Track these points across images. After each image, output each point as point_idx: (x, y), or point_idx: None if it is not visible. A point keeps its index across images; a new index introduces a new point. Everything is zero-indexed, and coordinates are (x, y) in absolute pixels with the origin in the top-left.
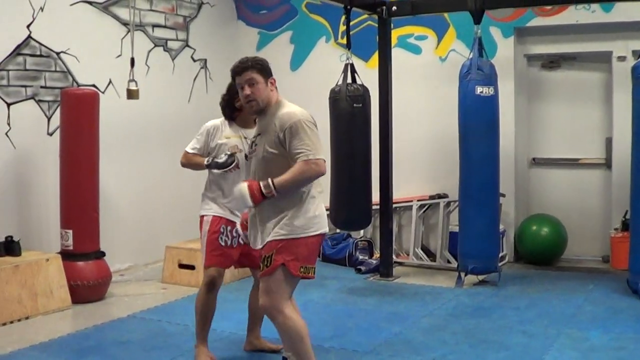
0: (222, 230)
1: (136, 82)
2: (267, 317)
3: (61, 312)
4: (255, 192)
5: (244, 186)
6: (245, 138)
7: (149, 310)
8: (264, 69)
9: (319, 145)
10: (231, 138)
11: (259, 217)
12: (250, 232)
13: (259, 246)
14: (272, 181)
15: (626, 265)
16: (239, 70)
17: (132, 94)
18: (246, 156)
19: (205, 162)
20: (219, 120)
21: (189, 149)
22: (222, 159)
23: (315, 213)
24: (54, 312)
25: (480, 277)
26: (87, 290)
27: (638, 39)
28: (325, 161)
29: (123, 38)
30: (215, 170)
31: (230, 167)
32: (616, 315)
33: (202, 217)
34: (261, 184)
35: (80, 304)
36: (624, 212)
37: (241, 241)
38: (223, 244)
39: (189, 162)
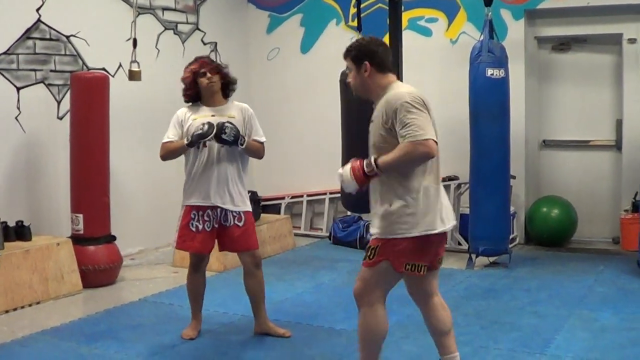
0: (192, 216)
1: (138, 63)
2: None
3: (72, 297)
4: (357, 172)
5: (347, 167)
6: (212, 115)
7: (160, 294)
8: (356, 56)
9: (427, 125)
10: (197, 119)
11: (372, 200)
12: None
13: (372, 230)
14: (376, 159)
15: (636, 247)
16: (343, 56)
17: (134, 75)
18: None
19: (186, 141)
20: (185, 107)
21: (165, 140)
22: (201, 129)
23: (426, 210)
24: (65, 297)
25: (491, 259)
26: (98, 274)
27: None
28: (436, 143)
29: (133, 21)
30: (205, 143)
31: (212, 134)
32: (627, 296)
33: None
34: (364, 162)
35: (91, 289)
36: (634, 194)
37: (215, 225)
38: (194, 229)
39: (168, 151)
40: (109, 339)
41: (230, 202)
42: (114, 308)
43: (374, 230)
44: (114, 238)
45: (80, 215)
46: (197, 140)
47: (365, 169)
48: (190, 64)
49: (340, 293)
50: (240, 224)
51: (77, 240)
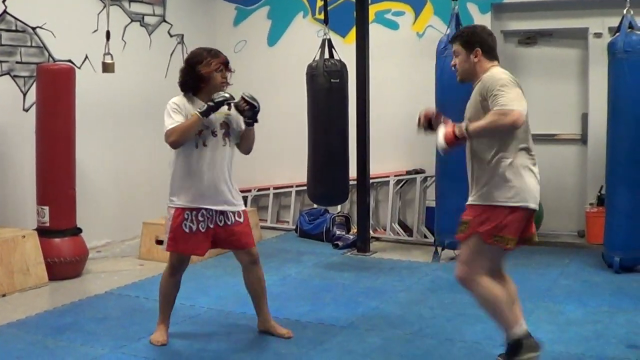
0: (185, 217)
1: (112, 56)
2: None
3: (38, 289)
4: (448, 134)
5: (442, 128)
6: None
7: (126, 287)
8: (468, 41)
9: (517, 99)
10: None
11: (469, 173)
12: None
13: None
14: (467, 125)
15: (601, 240)
16: (450, 40)
17: (107, 67)
18: (213, 133)
19: (199, 111)
20: (180, 97)
21: (172, 125)
22: (220, 96)
23: (516, 184)
24: (31, 289)
25: (457, 252)
26: (64, 266)
27: (614, 15)
28: (522, 113)
29: (99, 13)
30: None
31: (234, 100)
32: (592, 289)
33: (168, 208)
34: (456, 125)
35: (57, 281)
36: (599, 188)
37: (210, 225)
38: (187, 230)
39: (181, 132)
40: (74, 332)
41: (232, 203)
42: (80, 301)
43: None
44: (80, 230)
45: (46, 208)
46: (219, 106)
47: (456, 131)
48: (207, 53)
49: (306, 286)
50: (241, 221)
51: (43, 232)
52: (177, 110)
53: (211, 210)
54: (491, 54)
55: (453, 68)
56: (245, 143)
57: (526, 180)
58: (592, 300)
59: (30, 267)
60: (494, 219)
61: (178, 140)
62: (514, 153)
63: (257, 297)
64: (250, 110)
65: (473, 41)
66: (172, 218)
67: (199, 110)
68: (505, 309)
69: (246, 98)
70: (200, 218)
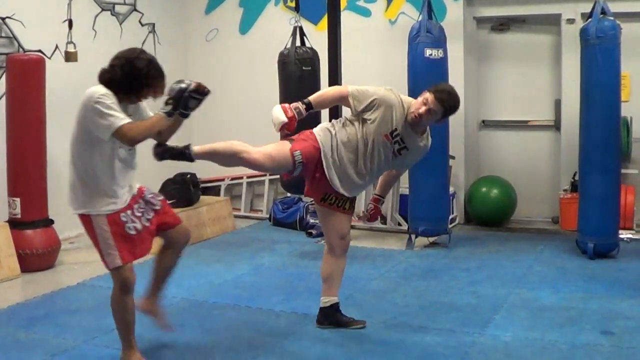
0: (124, 219)
1: (74, 44)
2: None
3: (10, 282)
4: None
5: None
6: (130, 115)
7: (99, 278)
8: (447, 116)
9: None
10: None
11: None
12: None
13: None
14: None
15: (575, 226)
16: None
17: (70, 57)
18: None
19: (166, 110)
20: (105, 89)
21: (124, 121)
22: (183, 84)
23: None
24: (3, 282)
25: (431, 239)
26: (36, 258)
27: (586, 1)
28: None
29: (69, 3)
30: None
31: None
32: (565, 276)
33: (89, 217)
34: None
35: (29, 273)
36: (573, 174)
37: (149, 215)
38: (134, 232)
39: (146, 130)
40: (47, 324)
41: (150, 190)
42: (52, 292)
43: None
44: (51, 222)
45: (18, 199)
46: (198, 99)
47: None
48: (159, 74)
49: (280, 275)
50: (162, 199)
51: (15, 224)
52: (116, 107)
53: (140, 197)
54: None
55: (417, 116)
56: (169, 134)
57: None
58: (566, 286)
59: (2, 259)
60: None
61: (141, 138)
62: None
63: (165, 277)
64: (198, 100)
65: (449, 115)
66: (108, 225)
67: (164, 111)
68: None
69: (202, 87)
70: (137, 213)
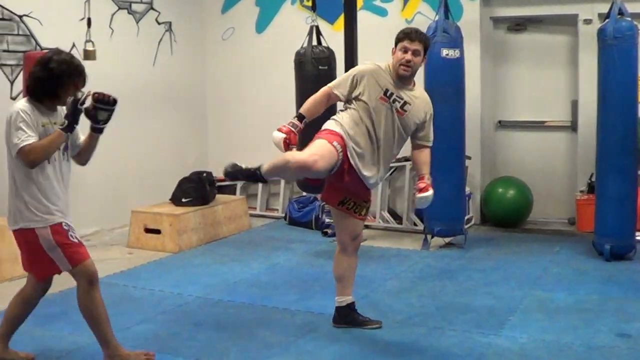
0: (66, 227)
1: (93, 43)
2: None
3: (26, 279)
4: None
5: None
6: (54, 123)
7: (115, 275)
8: (427, 47)
9: None
10: (46, 126)
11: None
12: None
13: None
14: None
15: (592, 228)
16: (413, 37)
17: (88, 55)
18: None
19: (61, 128)
20: (26, 105)
21: (27, 142)
22: (78, 95)
23: None
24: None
25: (447, 240)
26: None
27: (604, 2)
28: None
29: (86, 1)
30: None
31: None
32: (582, 277)
33: (31, 230)
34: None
35: None
36: (590, 175)
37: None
38: (76, 240)
39: (44, 150)
40: (63, 321)
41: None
42: (68, 289)
43: None
44: None
45: None
46: (108, 107)
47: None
48: (75, 70)
49: (295, 274)
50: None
51: None
52: (29, 126)
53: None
54: None
55: (407, 63)
56: (87, 153)
57: None
58: (583, 288)
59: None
60: None
61: (41, 159)
62: None
63: (16, 325)
64: (109, 109)
65: (428, 48)
66: (54, 234)
67: (61, 127)
68: None
69: (105, 96)
70: (73, 229)
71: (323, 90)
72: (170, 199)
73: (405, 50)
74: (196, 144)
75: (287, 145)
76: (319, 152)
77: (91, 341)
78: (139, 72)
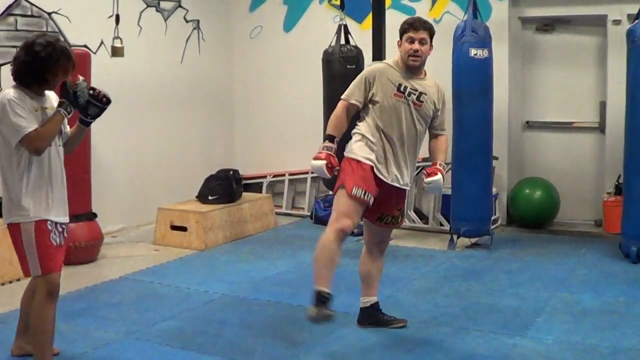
0: (50, 228)
1: (121, 40)
2: None
3: None
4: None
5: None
6: (45, 109)
7: (141, 272)
8: (433, 35)
9: None
10: (38, 111)
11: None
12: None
13: None
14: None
15: (619, 230)
16: (418, 27)
17: (117, 52)
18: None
19: (62, 110)
20: (14, 91)
21: (31, 128)
22: (82, 89)
23: None
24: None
25: (473, 240)
26: (78, 251)
27: (633, 2)
28: None
29: None
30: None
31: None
32: (608, 279)
33: (17, 225)
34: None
35: (71, 266)
36: (617, 176)
37: (63, 240)
38: (56, 244)
39: (49, 135)
40: (89, 317)
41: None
42: (94, 285)
43: None
44: (95, 215)
45: None
46: (103, 105)
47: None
48: (64, 55)
49: None
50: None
51: None
52: (24, 113)
53: (63, 225)
54: None
55: (415, 53)
56: (73, 143)
57: None
58: (609, 290)
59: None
60: None
61: (46, 145)
62: None
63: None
64: (100, 107)
65: (433, 35)
66: (35, 233)
67: (63, 109)
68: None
69: (99, 93)
70: (59, 229)
71: (340, 105)
72: (196, 197)
73: (412, 41)
74: (223, 141)
75: (331, 170)
76: (344, 210)
77: (117, 337)
78: (166, 69)
